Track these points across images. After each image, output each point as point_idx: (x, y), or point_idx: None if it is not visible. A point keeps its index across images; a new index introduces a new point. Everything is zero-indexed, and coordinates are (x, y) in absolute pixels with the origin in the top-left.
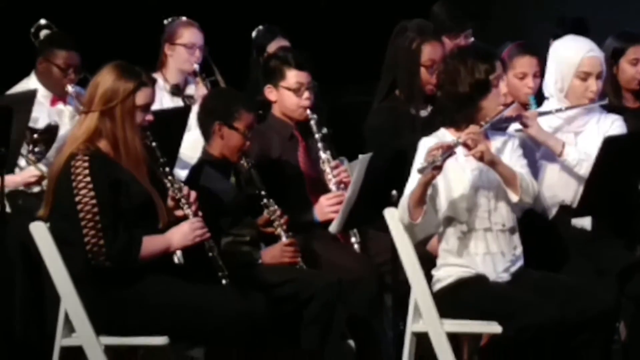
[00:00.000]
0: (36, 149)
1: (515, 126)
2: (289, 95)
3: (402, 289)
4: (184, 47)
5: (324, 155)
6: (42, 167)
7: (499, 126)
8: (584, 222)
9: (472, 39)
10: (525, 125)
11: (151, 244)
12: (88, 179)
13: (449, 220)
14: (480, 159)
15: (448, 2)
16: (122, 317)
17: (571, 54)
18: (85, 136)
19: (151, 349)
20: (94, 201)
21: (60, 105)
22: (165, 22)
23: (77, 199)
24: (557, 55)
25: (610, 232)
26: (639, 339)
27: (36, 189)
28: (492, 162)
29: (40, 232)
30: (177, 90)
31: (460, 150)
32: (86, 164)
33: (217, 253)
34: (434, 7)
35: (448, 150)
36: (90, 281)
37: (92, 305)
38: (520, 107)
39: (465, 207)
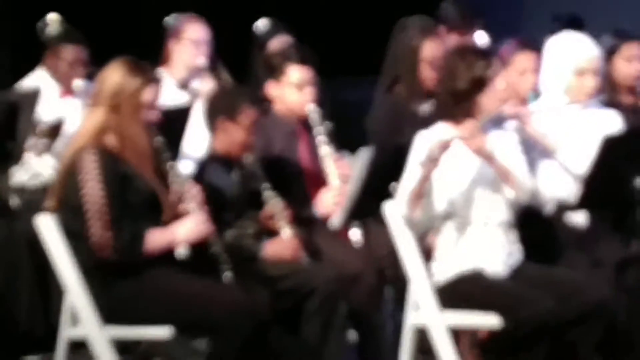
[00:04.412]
0: (41, 143)
1: (511, 124)
2: (291, 91)
3: (403, 282)
4: (190, 42)
5: (325, 149)
6: (49, 158)
7: (496, 123)
8: (578, 218)
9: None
10: (521, 123)
11: (156, 237)
12: (96, 172)
13: (447, 215)
14: (477, 152)
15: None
16: (126, 308)
17: (569, 50)
18: (92, 130)
19: (155, 340)
20: (101, 194)
21: (67, 100)
22: (169, 17)
23: (84, 192)
24: (554, 52)
25: (605, 227)
26: (633, 331)
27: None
28: (489, 158)
29: (46, 223)
30: (182, 84)
31: (458, 145)
32: (94, 158)
33: (220, 247)
34: (443, 4)
35: (447, 144)
36: (95, 273)
37: (96, 296)
38: (519, 103)
39: (463, 201)
